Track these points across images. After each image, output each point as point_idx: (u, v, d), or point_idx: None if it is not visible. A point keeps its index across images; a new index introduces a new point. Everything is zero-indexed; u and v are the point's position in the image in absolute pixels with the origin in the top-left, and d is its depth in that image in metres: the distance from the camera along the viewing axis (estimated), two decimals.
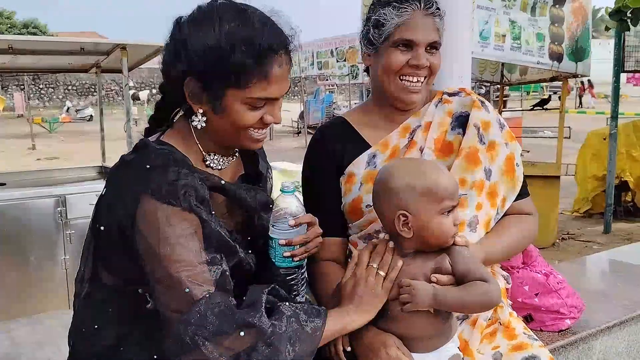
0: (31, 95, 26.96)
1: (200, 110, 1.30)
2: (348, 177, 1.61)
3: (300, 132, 19.31)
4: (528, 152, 9.21)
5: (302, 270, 1.44)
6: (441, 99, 1.65)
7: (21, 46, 4.18)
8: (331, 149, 1.64)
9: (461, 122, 1.60)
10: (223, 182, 1.34)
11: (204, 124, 1.31)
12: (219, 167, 1.40)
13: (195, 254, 1.19)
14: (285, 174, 6.05)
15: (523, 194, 1.63)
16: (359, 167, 1.60)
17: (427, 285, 1.28)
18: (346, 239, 1.64)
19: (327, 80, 21.86)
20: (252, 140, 1.34)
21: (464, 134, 1.57)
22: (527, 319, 1.87)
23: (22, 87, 26.25)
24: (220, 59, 1.22)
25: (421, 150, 1.58)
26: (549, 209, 5.99)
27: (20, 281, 3.92)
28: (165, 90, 1.40)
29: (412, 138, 1.60)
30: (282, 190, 1.36)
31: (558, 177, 6.22)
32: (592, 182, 7.36)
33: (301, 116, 19.73)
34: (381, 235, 1.44)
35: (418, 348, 1.32)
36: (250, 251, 1.39)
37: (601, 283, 2.66)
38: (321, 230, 1.42)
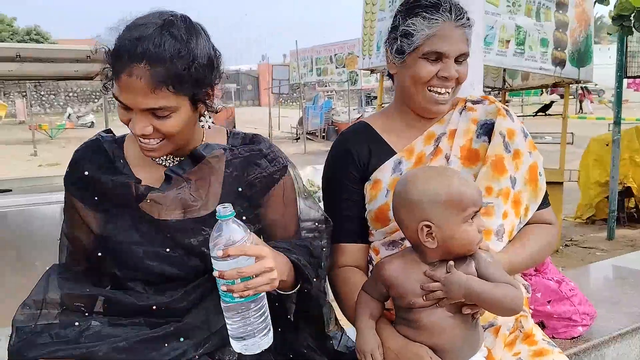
0: (33, 102, 26.98)
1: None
2: (374, 183, 1.59)
3: (299, 138, 19.33)
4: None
5: (257, 308, 1.25)
6: (465, 106, 1.65)
7: (28, 54, 4.18)
8: (356, 153, 1.62)
9: (486, 130, 1.60)
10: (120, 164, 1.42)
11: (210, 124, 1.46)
12: (163, 163, 1.42)
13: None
14: None
15: (545, 203, 1.64)
16: (385, 173, 1.59)
17: (459, 275, 1.26)
18: (367, 245, 1.63)
19: (326, 86, 21.91)
20: (143, 148, 1.34)
21: (489, 142, 1.57)
22: (540, 327, 1.88)
23: (24, 93, 26.31)
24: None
25: (447, 157, 1.58)
26: None
27: (25, 287, 3.90)
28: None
29: (437, 145, 1.60)
30: (217, 216, 1.20)
31: (561, 183, 6.22)
32: (594, 188, 7.35)
33: (300, 122, 19.78)
34: (406, 243, 1.43)
35: (449, 359, 1.31)
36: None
37: (609, 290, 2.66)
38: (271, 265, 1.23)
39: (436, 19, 1.49)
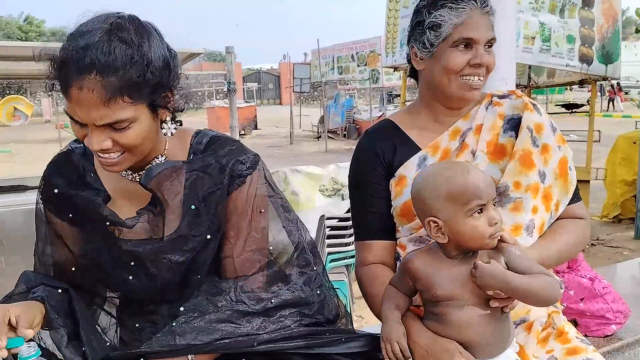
0: (59, 101, 27.41)
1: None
2: (399, 179, 1.60)
3: (320, 137, 19.33)
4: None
5: None
6: (491, 101, 1.64)
7: (52, 52, 4.25)
8: (381, 150, 1.64)
9: (513, 124, 1.59)
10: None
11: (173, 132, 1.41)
12: (130, 178, 1.38)
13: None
14: (312, 178, 6.08)
15: (575, 197, 1.62)
16: (410, 169, 1.59)
17: (495, 267, 1.25)
18: (394, 242, 1.64)
19: (347, 84, 21.88)
20: (101, 164, 1.28)
21: (516, 137, 1.56)
22: (573, 324, 1.86)
23: (50, 93, 26.74)
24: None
25: (473, 153, 1.57)
26: None
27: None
28: None
29: (463, 140, 1.60)
30: (20, 358, 1.17)
31: (588, 182, 6.14)
32: (621, 187, 7.24)
33: (321, 120, 19.78)
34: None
35: (479, 354, 1.30)
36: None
37: (639, 288, 2.62)
38: None
39: (463, 7, 1.51)
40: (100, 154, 1.23)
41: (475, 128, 1.60)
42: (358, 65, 19.89)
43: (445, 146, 1.60)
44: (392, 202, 1.62)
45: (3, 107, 22.19)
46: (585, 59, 5.92)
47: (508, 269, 1.27)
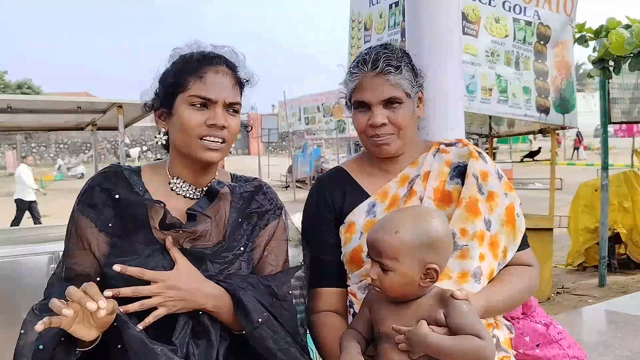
0: (23, 154, 27.01)
1: (163, 129, 1.48)
2: (348, 226, 1.62)
3: (288, 186, 19.38)
4: (520, 204, 9.25)
5: None
6: (438, 149, 1.68)
7: (20, 105, 4.24)
8: (330, 198, 1.67)
9: (459, 172, 1.63)
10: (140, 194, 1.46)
11: (164, 142, 1.50)
12: (183, 194, 1.50)
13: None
14: None
15: (524, 245, 1.65)
16: (359, 216, 1.62)
17: (420, 330, 1.29)
18: (345, 290, 1.65)
19: (314, 134, 22.15)
20: (203, 148, 1.42)
21: (462, 184, 1.60)
22: None
23: (14, 145, 26.35)
24: (165, 75, 1.48)
25: (421, 199, 1.60)
26: (542, 262, 5.92)
27: (13, 339, 3.82)
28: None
29: (411, 187, 1.63)
30: None
31: (551, 230, 6.23)
32: (584, 235, 7.34)
33: (289, 170, 19.90)
34: None
35: None
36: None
37: (600, 334, 2.64)
38: (171, 285, 1.36)
39: (356, 72, 1.60)
40: (206, 139, 1.42)
41: (422, 175, 1.64)
42: (324, 116, 20.17)
43: (394, 193, 1.63)
44: (342, 249, 1.63)
45: None
46: (542, 109, 6.11)
47: (446, 322, 1.31)
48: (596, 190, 7.00)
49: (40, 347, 1.23)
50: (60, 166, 26.24)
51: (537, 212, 6.78)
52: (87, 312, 1.20)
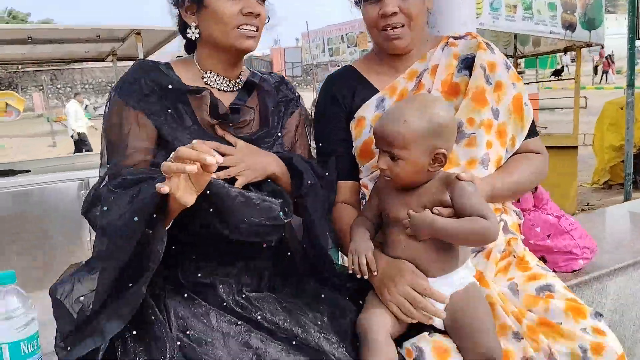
0: (49, 95, 27.32)
1: (193, 23, 1.47)
2: (358, 121, 1.66)
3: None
4: (545, 128, 9.15)
5: None
6: (447, 42, 1.68)
7: (39, 35, 4.28)
8: (340, 94, 1.70)
9: (467, 64, 1.63)
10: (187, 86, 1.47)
11: (197, 35, 1.49)
12: (218, 87, 1.53)
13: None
14: None
15: (532, 133, 1.67)
16: (368, 111, 1.65)
17: (424, 215, 1.34)
18: (357, 182, 1.70)
19: (338, 66, 21.79)
20: (242, 37, 1.44)
21: (470, 76, 1.61)
22: (542, 261, 1.91)
23: (41, 87, 26.63)
24: None
25: (429, 92, 1.62)
26: (567, 181, 5.96)
27: (48, 260, 4.04)
28: (179, 24, 1.55)
29: (419, 81, 1.64)
30: None
31: (575, 147, 6.18)
32: (609, 153, 7.30)
33: (314, 103, 19.70)
34: None
35: (430, 273, 1.37)
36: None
37: (617, 231, 2.66)
38: (238, 154, 1.43)
39: None
40: (242, 27, 1.43)
41: (431, 68, 1.65)
42: (348, 47, 19.77)
43: (403, 87, 1.65)
44: (353, 143, 1.67)
45: None
46: (568, 26, 5.93)
47: (452, 203, 1.35)
48: (621, 109, 6.86)
49: (135, 218, 1.15)
50: (87, 106, 26.51)
51: (563, 131, 6.71)
52: (187, 175, 1.15)
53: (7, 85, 27.11)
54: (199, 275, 1.42)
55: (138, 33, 4.50)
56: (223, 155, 1.30)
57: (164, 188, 1.10)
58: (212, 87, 1.52)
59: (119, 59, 5.37)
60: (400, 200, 1.41)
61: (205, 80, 1.52)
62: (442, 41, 1.70)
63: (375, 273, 1.39)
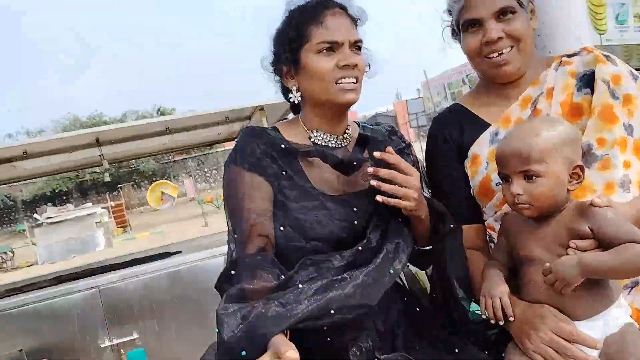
0: (198, 179, 29.71)
1: (294, 87, 1.48)
2: (473, 159, 1.57)
3: None
4: None
5: None
6: (560, 62, 1.57)
7: (176, 125, 4.67)
8: (449, 134, 1.62)
9: (587, 80, 1.50)
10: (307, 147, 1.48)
11: (299, 98, 1.49)
12: (325, 144, 1.52)
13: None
14: None
15: None
16: (482, 147, 1.56)
17: (568, 258, 1.19)
18: (482, 225, 1.60)
19: None
20: (342, 91, 1.43)
21: (592, 93, 1.47)
22: None
23: (190, 173, 29.12)
24: (282, 32, 1.48)
25: None
26: None
27: (205, 336, 4.23)
28: (282, 91, 1.59)
29: (534, 107, 1.53)
30: None
31: None
32: None
33: None
34: None
35: (577, 315, 1.22)
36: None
37: None
38: (417, 185, 1.39)
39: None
40: (341, 81, 1.44)
41: (546, 92, 1.53)
42: (470, 88, 19.46)
43: (517, 116, 1.55)
44: (470, 184, 1.58)
45: (152, 194, 24.40)
46: None
47: (594, 234, 1.20)
48: None
49: (243, 353, 1.14)
50: None
51: None
52: None
53: (161, 175, 29.96)
54: (328, 339, 1.37)
55: (261, 109, 4.75)
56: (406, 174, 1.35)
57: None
58: (321, 146, 1.52)
59: None
60: (533, 236, 1.29)
61: (312, 139, 1.53)
62: (554, 61, 1.58)
63: (512, 318, 1.27)
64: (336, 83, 1.43)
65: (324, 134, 1.53)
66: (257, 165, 1.44)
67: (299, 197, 1.41)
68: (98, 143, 4.37)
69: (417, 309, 1.50)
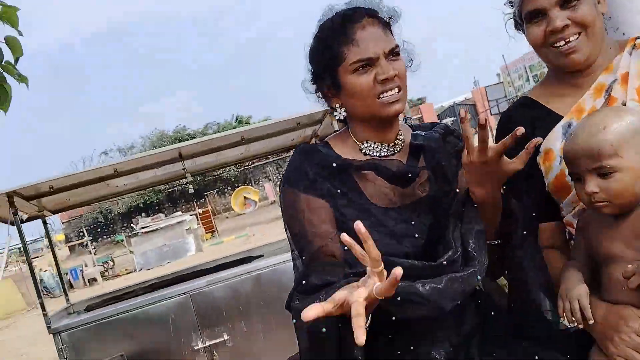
0: (277, 182, 30.29)
1: (337, 105, 1.48)
2: (545, 154, 1.51)
3: None
4: None
5: None
6: (634, 45, 1.49)
7: (251, 135, 4.83)
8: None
9: None
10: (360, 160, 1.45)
11: (344, 115, 1.49)
12: (377, 154, 1.49)
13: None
14: None
15: None
16: (555, 141, 1.50)
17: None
18: (561, 222, 1.54)
19: None
20: (384, 105, 1.40)
21: None
22: None
23: (269, 177, 29.79)
24: (315, 53, 1.47)
25: (623, 104, 1.43)
26: None
27: (291, 335, 4.35)
28: (330, 107, 1.58)
29: (609, 94, 1.46)
30: None
31: None
32: None
33: None
34: None
35: None
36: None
37: None
38: None
39: None
40: (383, 95, 1.41)
41: (620, 78, 1.46)
42: None
43: (590, 106, 1.48)
44: (544, 180, 1.52)
45: (235, 199, 25.22)
46: None
47: None
48: None
49: (323, 330, 1.16)
50: None
51: None
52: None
53: (243, 181, 30.79)
54: (399, 353, 1.35)
55: (331, 112, 4.81)
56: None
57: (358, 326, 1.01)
58: (372, 156, 1.49)
59: (321, 139, 5.78)
60: (612, 233, 1.24)
61: (363, 151, 1.50)
62: (628, 44, 1.51)
63: (591, 321, 1.23)
64: (378, 98, 1.40)
65: (375, 144, 1.49)
66: (311, 187, 1.42)
67: (356, 215, 1.36)
68: (181, 157, 4.60)
69: (493, 313, 1.45)
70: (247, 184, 29.27)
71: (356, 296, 1.05)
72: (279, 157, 29.11)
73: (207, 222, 25.85)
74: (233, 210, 27.02)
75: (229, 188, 30.52)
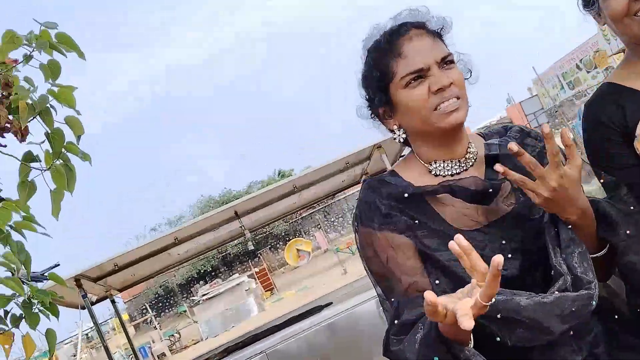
0: (327, 230, 30.23)
1: (395, 126, 1.38)
2: None
3: None
4: None
5: None
6: None
7: (302, 182, 4.83)
8: (608, 118, 1.45)
9: None
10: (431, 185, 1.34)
11: (404, 135, 1.38)
12: (449, 173, 1.37)
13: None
14: None
15: None
16: None
17: None
18: None
19: (585, 96, 20.18)
20: (443, 116, 1.29)
21: None
22: None
23: (319, 226, 29.77)
24: (366, 75, 1.41)
25: None
26: None
27: None
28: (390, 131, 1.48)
29: None
30: None
31: None
32: None
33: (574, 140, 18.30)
34: None
35: None
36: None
37: None
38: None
39: None
40: (440, 106, 1.29)
41: None
42: (588, 72, 18.30)
43: None
44: None
45: (289, 252, 25.20)
46: None
47: None
48: None
49: (436, 359, 1.14)
50: None
51: None
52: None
53: (293, 234, 30.86)
54: None
55: (379, 147, 4.77)
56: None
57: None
58: (444, 176, 1.37)
59: (371, 176, 5.73)
60: None
61: (433, 172, 1.38)
62: None
63: None
64: (435, 110, 1.29)
65: (444, 162, 1.37)
66: (387, 222, 1.32)
67: (441, 243, 1.27)
68: (237, 215, 4.62)
69: (616, 316, 1.34)
70: (298, 236, 29.28)
71: (461, 304, 1.02)
72: (325, 205, 29.22)
73: (265, 280, 25.86)
74: (288, 264, 27.00)
75: (280, 243, 30.63)
